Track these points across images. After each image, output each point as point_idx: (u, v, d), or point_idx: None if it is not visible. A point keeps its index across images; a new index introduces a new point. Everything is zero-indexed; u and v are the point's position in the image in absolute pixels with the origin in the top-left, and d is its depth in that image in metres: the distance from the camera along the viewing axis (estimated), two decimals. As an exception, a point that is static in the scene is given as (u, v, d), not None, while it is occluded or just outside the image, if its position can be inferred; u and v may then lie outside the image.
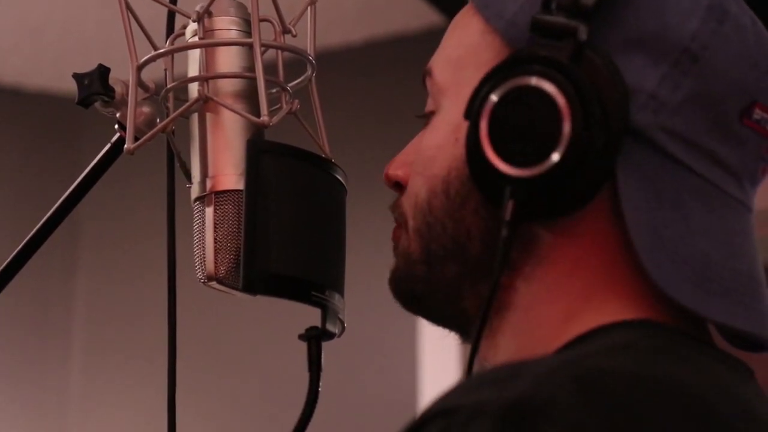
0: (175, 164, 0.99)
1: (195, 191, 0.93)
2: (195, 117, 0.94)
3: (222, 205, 0.91)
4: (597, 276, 0.82)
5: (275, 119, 0.92)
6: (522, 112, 0.79)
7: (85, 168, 1.01)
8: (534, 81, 0.78)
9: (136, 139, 0.93)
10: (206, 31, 0.94)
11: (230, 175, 0.92)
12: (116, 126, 0.99)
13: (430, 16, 2.88)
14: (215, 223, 0.91)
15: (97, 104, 0.98)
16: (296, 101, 0.96)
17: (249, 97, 0.93)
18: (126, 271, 3.39)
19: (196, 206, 0.93)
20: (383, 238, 0.91)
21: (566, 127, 0.77)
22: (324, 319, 0.90)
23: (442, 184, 0.85)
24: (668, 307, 0.80)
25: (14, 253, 1.02)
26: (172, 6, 0.97)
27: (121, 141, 0.98)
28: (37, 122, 3.53)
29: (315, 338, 0.90)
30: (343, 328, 0.94)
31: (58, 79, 3.40)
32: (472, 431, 0.67)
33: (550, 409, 0.68)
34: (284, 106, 0.95)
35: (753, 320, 0.82)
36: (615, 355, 0.75)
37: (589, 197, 0.80)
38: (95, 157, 1.01)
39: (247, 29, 0.94)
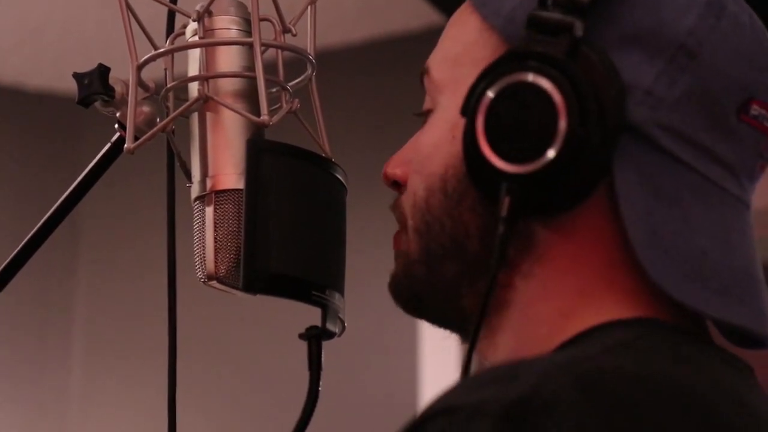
0: (175, 163, 0.99)
1: (195, 190, 0.93)
2: (195, 116, 0.94)
3: (222, 204, 0.91)
4: (595, 273, 0.82)
5: (275, 118, 0.92)
6: (518, 109, 0.79)
7: (86, 167, 1.01)
8: (529, 77, 0.78)
9: (136, 138, 0.93)
10: (206, 31, 0.94)
11: (230, 175, 0.92)
12: (116, 125, 0.99)
13: (430, 16, 2.88)
14: (215, 223, 0.91)
15: (97, 104, 0.98)
16: (296, 100, 0.96)
17: (249, 96, 0.93)
18: (126, 271, 3.40)
19: (196, 205, 0.93)
20: (383, 237, 0.91)
21: (562, 124, 0.77)
22: (324, 319, 0.90)
23: (440, 182, 0.85)
24: (667, 304, 0.80)
25: (14, 253, 1.02)
26: (172, 5, 0.97)
27: (121, 140, 0.98)
28: (37, 122, 3.54)
29: (315, 337, 0.90)
30: (344, 327, 0.94)
31: (59, 78, 3.41)
32: (473, 431, 0.67)
33: (550, 409, 0.68)
34: (284, 105, 0.95)
35: (751, 317, 0.82)
36: (615, 355, 0.75)
37: (586, 194, 0.80)
38: (95, 157, 1.01)
39: (247, 28, 0.94)
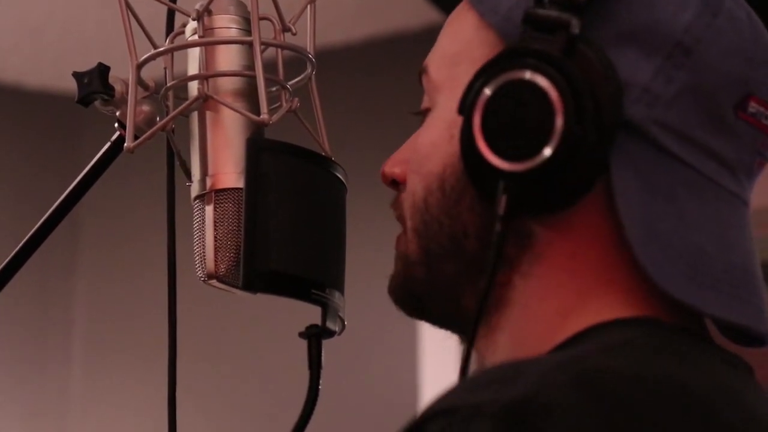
0: (175, 162, 0.99)
1: (195, 189, 0.93)
2: (195, 115, 0.94)
3: (222, 203, 0.91)
4: (593, 271, 0.82)
5: (275, 117, 0.92)
6: (514, 106, 0.78)
7: (85, 166, 1.01)
8: (526, 75, 0.78)
9: (136, 137, 0.93)
10: (206, 30, 0.94)
11: (230, 174, 0.92)
12: (116, 124, 0.99)
13: (430, 15, 2.88)
14: (215, 222, 0.91)
15: (97, 103, 0.98)
16: (296, 99, 0.96)
17: (249, 95, 0.93)
18: (126, 270, 3.40)
19: (196, 204, 0.93)
20: (384, 236, 0.91)
21: (558, 121, 0.77)
22: (324, 317, 0.90)
23: (438, 181, 0.85)
24: (665, 302, 0.80)
25: (14, 252, 1.02)
26: (171, 4, 0.97)
27: (121, 139, 0.98)
28: (37, 121, 3.54)
29: (315, 336, 0.90)
30: (344, 326, 0.94)
31: (58, 78, 3.41)
32: (472, 431, 0.67)
33: (550, 410, 0.68)
34: (284, 104, 0.95)
35: (748, 314, 0.81)
36: (614, 355, 0.75)
37: (583, 192, 0.80)
38: (95, 156, 1.01)
39: (246, 27, 0.94)
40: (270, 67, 0.93)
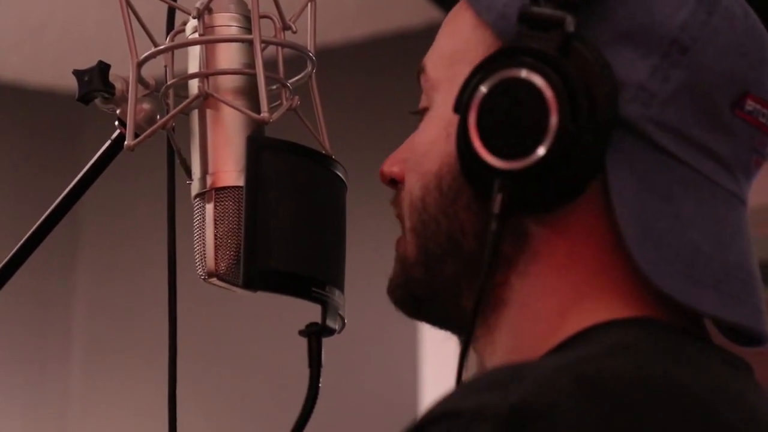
0: (176, 161, 0.99)
1: (195, 188, 0.93)
2: (195, 113, 0.94)
3: (222, 201, 0.91)
4: (588, 270, 0.82)
5: (275, 116, 0.92)
6: (509, 105, 0.78)
7: (85, 165, 1.01)
8: (520, 73, 0.78)
9: (137, 135, 0.93)
10: (206, 28, 0.94)
11: (230, 172, 0.92)
12: (116, 123, 0.99)
13: (431, 13, 2.88)
14: (215, 220, 0.91)
15: (98, 101, 0.98)
16: (296, 98, 0.96)
17: (249, 93, 0.93)
18: (126, 268, 3.40)
19: (197, 203, 0.93)
20: (384, 234, 0.91)
21: (553, 120, 0.77)
22: (324, 316, 0.90)
23: (435, 179, 0.85)
24: (662, 301, 0.80)
25: (14, 251, 1.02)
26: (172, 3, 0.97)
27: (121, 138, 0.98)
28: (37, 119, 3.54)
29: (315, 334, 0.90)
30: (344, 324, 0.94)
31: (59, 76, 3.41)
32: None
33: (551, 414, 0.67)
34: (284, 102, 0.95)
35: (746, 313, 0.81)
36: (615, 357, 0.75)
37: (579, 190, 0.79)
38: (95, 154, 1.01)
39: (247, 26, 0.94)
40: (270, 65, 0.93)
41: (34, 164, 3.48)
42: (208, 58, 0.94)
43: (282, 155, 0.90)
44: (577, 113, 0.77)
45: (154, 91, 0.97)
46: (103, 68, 0.97)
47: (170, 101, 0.96)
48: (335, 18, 3.07)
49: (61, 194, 1.02)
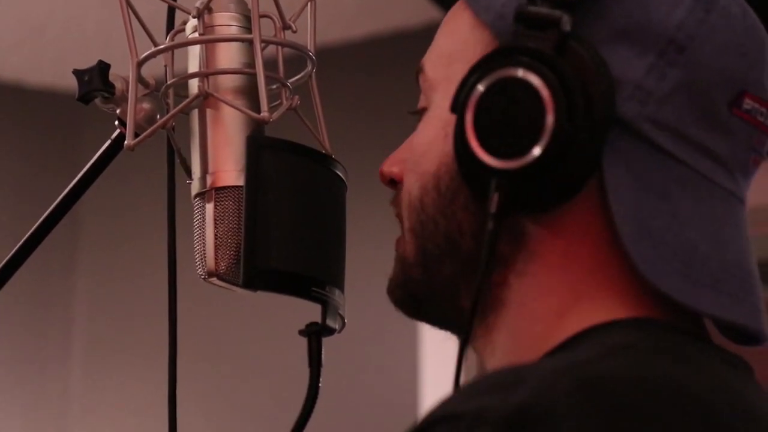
0: (176, 160, 0.99)
1: (195, 187, 0.93)
2: (195, 113, 0.94)
3: (222, 201, 0.91)
4: (586, 269, 0.82)
5: (275, 115, 0.92)
6: (505, 104, 0.78)
7: (86, 164, 1.01)
8: (516, 72, 0.78)
9: (137, 135, 0.93)
10: (206, 27, 0.94)
11: (230, 171, 0.92)
12: (116, 122, 0.99)
13: (431, 12, 2.88)
14: (215, 220, 0.91)
15: (98, 100, 0.98)
16: (296, 97, 0.96)
17: (249, 93, 0.93)
18: (126, 268, 3.39)
19: (197, 202, 0.93)
20: (384, 234, 0.91)
21: (549, 119, 0.77)
22: (324, 315, 0.90)
23: (433, 180, 0.85)
24: (660, 300, 0.80)
25: (14, 251, 1.02)
26: (172, 2, 0.97)
27: (122, 137, 0.98)
28: (37, 119, 3.54)
29: (315, 334, 0.90)
30: (344, 323, 0.94)
31: (59, 76, 3.41)
32: None
33: (551, 417, 0.67)
34: (284, 102, 0.95)
35: (744, 312, 0.81)
36: (615, 358, 0.75)
37: (576, 190, 0.79)
38: (95, 154, 1.01)
39: (247, 25, 0.94)
40: (270, 64, 0.93)
41: (34, 164, 3.48)
42: (208, 58, 0.94)
43: (282, 155, 0.90)
44: (574, 112, 0.77)
45: (154, 90, 0.97)
46: (103, 68, 0.97)
47: (170, 101, 0.96)
48: (335, 18, 3.07)
49: (61, 194, 1.01)
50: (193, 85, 0.94)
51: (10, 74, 3.45)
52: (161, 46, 0.95)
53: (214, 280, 0.92)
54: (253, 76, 0.92)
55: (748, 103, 0.82)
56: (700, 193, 0.81)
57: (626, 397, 0.71)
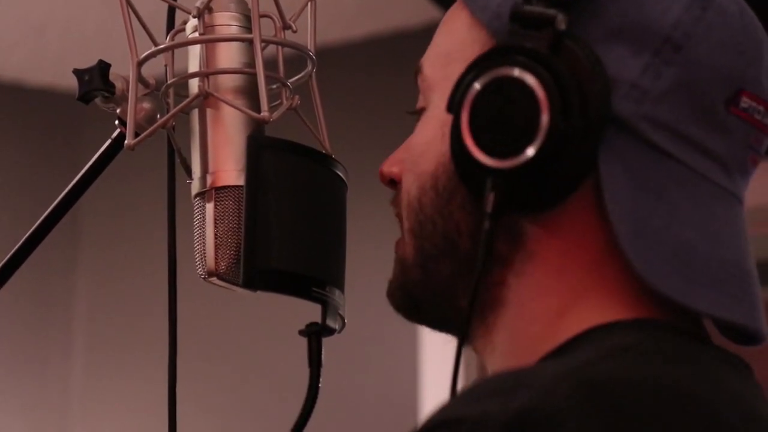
0: (176, 160, 0.99)
1: (195, 187, 0.93)
2: (195, 113, 0.94)
3: (222, 200, 0.91)
4: (583, 269, 0.81)
5: (276, 115, 0.92)
6: (501, 104, 0.79)
7: (86, 164, 1.01)
8: (511, 71, 0.78)
9: (137, 134, 0.93)
10: (206, 27, 0.94)
11: (230, 171, 0.92)
12: (116, 122, 0.99)
13: (431, 12, 2.88)
14: (215, 219, 0.91)
15: (98, 100, 0.98)
16: (297, 97, 0.96)
17: (249, 92, 0.93)
18: (127, 268, 3.39)
19: (197, 202, 0.93)
20: (384, 234, 0.91)
21: (544, 118, 0.77)
22: (324, 315, 0.90)
23: (431, 180, 0.85)
24: (658, 300, 0.79)
25: (14, 249, 1.02)
26: (172, 2, 0.97)
27: (122, 137, 0.98)
28: (38, 118, 3.53)
29: (315, 334, 0.90)
30: (344, 324, 0.94)
31: (59, 75, 3.41)
32: None
33: (552, 421, 0.67)
34: (285, 101, 0.95)
35: (743, 312, 0.81)
36: (615, 360, 0.75)
37: (572, 189, 0.79)
38: (96, 153, 1.01)
39: (247, 25, 0.94)
40: (270, 64, 0.93)
41: (34, 163, 3.48)
42: (208, 58, 0.94)
43: (282, 154, 0.90)
44: (569, 111, 0.77)
45: (155, 90, 0.97)
46: (103, 67, 0.97)
47: (170, 100, 0.96)
48: (335, 17, 3.07)
49: (61, 193, 1.01)
50: (194, 84, 0.94)
51: (10, 74, 3.45)
52: (161, 46, 0.95)
53: (214, 279, 0.92)
54: (253, 76, 0.92)
55: (745, 102, 0.82)
56: (697, 191, 0.81)
57: (626, 399, 0.71)
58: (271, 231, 0.88)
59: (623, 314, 0.80)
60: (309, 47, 0.96)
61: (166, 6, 0.97)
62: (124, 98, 0.96)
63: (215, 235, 0.91)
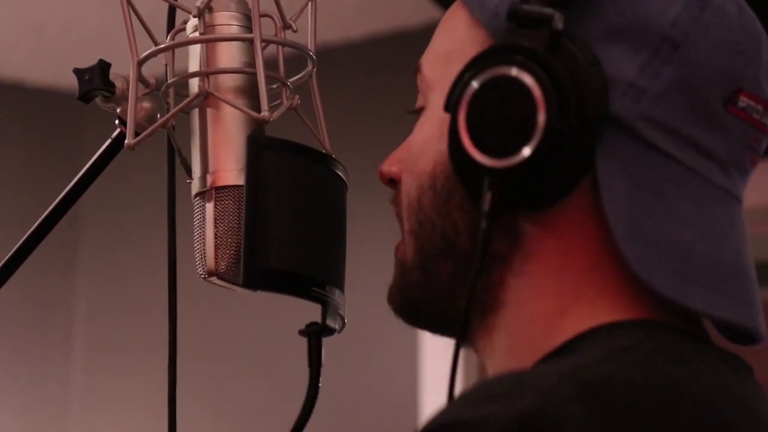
0: (176, 160, 0.99)
1: (195, 187, 0.93)
2: (195, 112, 0.94)
3: (222, 200, 0.91)
4: (585, 270, 0.81)
5: (276, 115, 0.92)
6: (498, 103, 0.78)
7: (86, 163, 1.01)
8: (508, 70, 0.78)
9: (137, 134, 0.93)
10: (207, 27, 0.94)
11: (231, 171, 0.92)
12: (117, 121, 0.99)
13: (431, 12, 2.88)
14: (216, 219, 0.91)
15: (98, 99, 0.98)
16: (297, 97, 0.96)
17: (249, 92, 0.93)
18: (127, 267, 3.40)
19: (197, 202, 0.93)
20: (384, 234, 0.91)
21: (541, 118, 0.77)
22: (324, 315, 0.90)
23: (430, 179, 0.85)
24: (656, 299, 0.79)
25: (15, 249, 1.02)
26: (172, 1, 0.97)
27: (122, 136, 0.98)
28: (38, 118, 3.54)
29: (315, 334, 0.90)
30: (344, 324, 0.93)
31: (59, 75, 3.41)
32: None
33: (554, 424, 0.67)
34: (285, 101, 0.95)
35: (739, 311, 0.81)
36: (616, 362, 0.75)
37: (569, 188, 0.79)
38: (96, 153, 1.01)
39: (247, 25, 0.94)
40: (271, 64, 0.93)
41: (35, 163, 3.48)
42: (208, 57, 0.94)
43: (282, 154, 0.90)
44: (566, 110, 0.77)
45: (155, 89, 0.97)
46: (103, 67, 0.97)
47: (171, 100, 0.96)
48: (335, 17, 3.07)
49: (61, 193, 1.01)
50: (194, 84, 0.94)
51: (10, 73, 3.46)
52: (162, 46, 0.95)
53: (214, 279, 0.92)
54: (253, 76, 0.92)
55: (743, 101, 0.82)
56: (695, 191, 0.81)
57: (627, 400, 0.71)
58: (271, 231, 0.88)
59: (623, 314, 0.80)
60: (309, 47, 0.96)
61: (166, 5, 0.97)
62: (125, 98, 0.96)
63: (215, 234, 0.91)
